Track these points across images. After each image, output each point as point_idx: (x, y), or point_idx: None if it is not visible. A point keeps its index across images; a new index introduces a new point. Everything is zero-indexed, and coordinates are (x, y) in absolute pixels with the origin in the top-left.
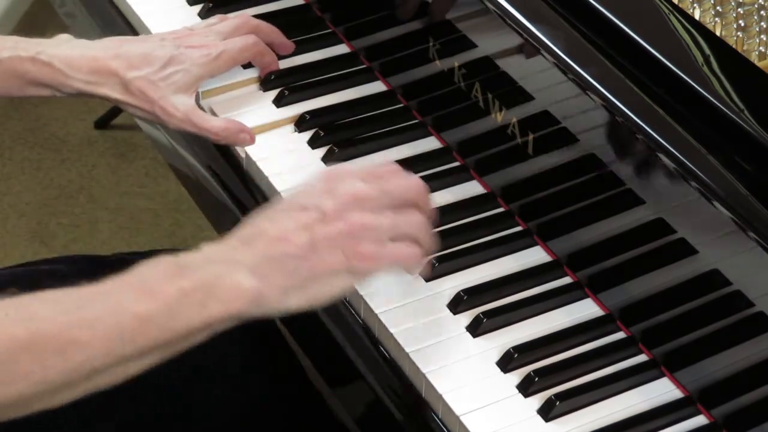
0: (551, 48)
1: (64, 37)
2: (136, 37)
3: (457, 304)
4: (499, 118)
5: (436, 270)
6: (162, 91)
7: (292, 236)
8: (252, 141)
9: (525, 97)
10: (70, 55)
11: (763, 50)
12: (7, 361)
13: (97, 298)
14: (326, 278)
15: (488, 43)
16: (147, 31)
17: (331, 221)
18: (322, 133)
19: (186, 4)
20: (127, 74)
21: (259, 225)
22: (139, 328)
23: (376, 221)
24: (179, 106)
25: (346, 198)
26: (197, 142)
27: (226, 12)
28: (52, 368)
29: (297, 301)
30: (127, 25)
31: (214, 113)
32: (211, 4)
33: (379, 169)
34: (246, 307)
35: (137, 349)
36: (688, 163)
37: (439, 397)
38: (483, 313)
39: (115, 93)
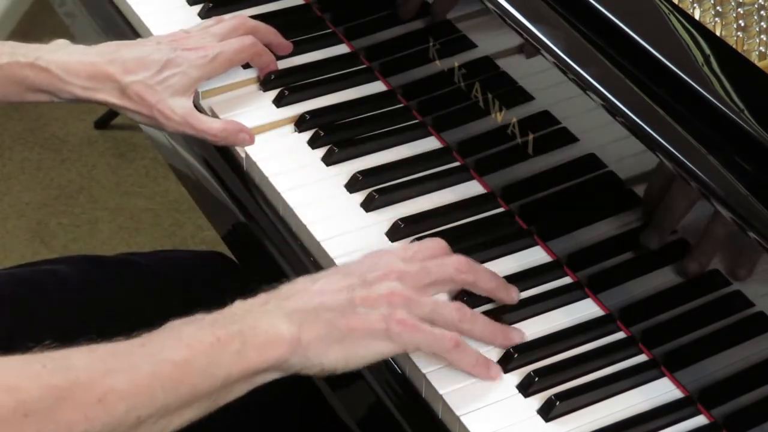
0: (551, 48)
1: (61, 43)
2: (132, 42)
3: None
4: (499, 118)
5: None
6: (159, 94)
7: (331, 292)
8: (251, 141)
9: (525, 97)
10: (68, 61)
11: (763, 50)
12: (49, 413)
13: (132, 348)
14: (364, 338)
15: (488, 43)
16: (147, 31)
17: (372, 286)
18: (322, 133)
19: (186, 4)
20: (124, 79)
21: (299, 282)
22: (179, 375)
23: (416, 296)
24: (177, 109)
25: (388, 271)
26: (197, 142)
27: (225, 12)
28: (96, 419)
29: (335, 355)
30: (127, 25)
31: (214, 113)
32: (211, 4)
33: (424, 246)
34: (285, 354)
35: (179, 399)
36: (688, 163)
37: (439, 397)
38: (483, 313)
39: (112, 98)
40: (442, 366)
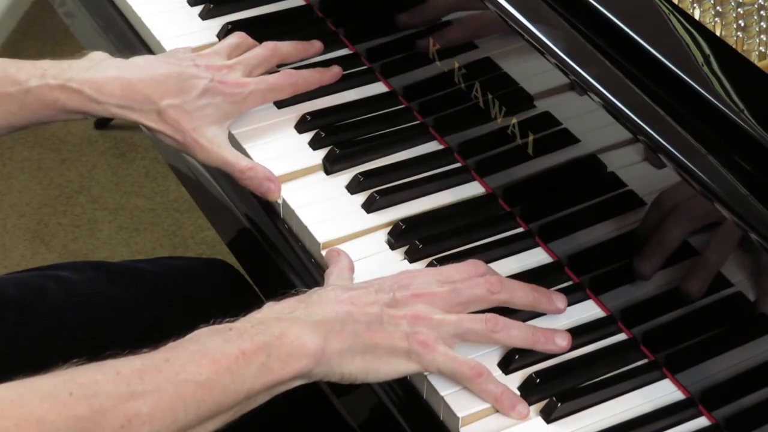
0: (551, 48)
1: (97, 57)
2: (169, 58)
3: None
4: (499, 119)
5: None
6: (196, 121)
7: (361, 305)
8: (275, 193)
9: (525, 97)
10: (102, 80)
11: (763, 50)
12: None
13: (158, 366)
14: (385, 354)
15: (488, 43)
16: (147, 32)
17: (399, 306)
18: (323, 134)
19: (186, 4)
20: (162, 102)
21: (331, 291)
22: (201, 395)
23: (441, 317)
24: (212, 137)
25: (418, 292)
26: None
27: (228, 12)
28: None
29: (357, 367)
30: (127, 25)
31: None
32: (212, 5)
33: (459, 268)
34: (308, 365)
35: (200, 416)
36: (688, 163)
37: (441, 399)
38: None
39: (147, 121)
40: None
